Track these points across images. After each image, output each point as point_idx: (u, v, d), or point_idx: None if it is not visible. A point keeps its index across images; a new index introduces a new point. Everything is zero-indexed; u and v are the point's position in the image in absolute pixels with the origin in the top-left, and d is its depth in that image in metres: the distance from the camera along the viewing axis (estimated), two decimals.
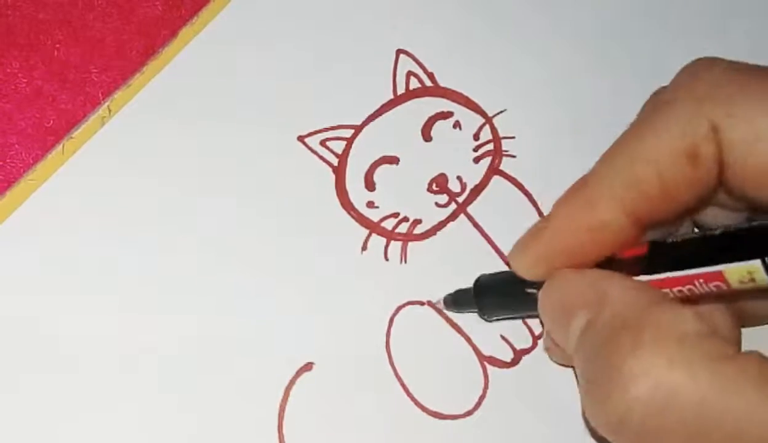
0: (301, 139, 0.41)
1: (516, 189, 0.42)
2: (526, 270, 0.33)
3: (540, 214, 0.41)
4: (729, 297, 0.32)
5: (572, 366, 0.38)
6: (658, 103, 0.30)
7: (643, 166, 0.29)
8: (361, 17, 0.44)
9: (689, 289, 0.29)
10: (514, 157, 0.42)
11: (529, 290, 0.34)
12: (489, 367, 0.38)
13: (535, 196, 0.41)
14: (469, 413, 0.37)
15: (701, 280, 0.29)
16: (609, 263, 0.32)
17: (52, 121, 0.42)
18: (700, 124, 0.28)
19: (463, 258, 0.40)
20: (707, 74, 0.29)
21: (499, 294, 0.37)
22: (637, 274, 0.31)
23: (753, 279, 0.28)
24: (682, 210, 0.30)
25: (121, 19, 0.44)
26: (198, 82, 0.42)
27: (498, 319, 0.38)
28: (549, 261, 0.32)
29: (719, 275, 0.28)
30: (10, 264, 0.38)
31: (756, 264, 0.27)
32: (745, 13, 0.46)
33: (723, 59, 0.30)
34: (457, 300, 0.38)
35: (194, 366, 0.37)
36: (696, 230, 0.36)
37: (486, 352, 0.38)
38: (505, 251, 0.40)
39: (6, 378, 0.36)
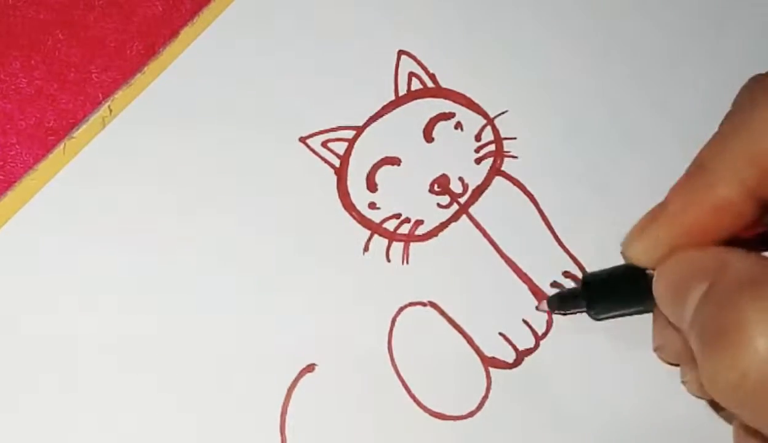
0: (302, 140, 0.41)
1: (518, 190, 0.42)
2: (644, 254, 0.33)
3: (542, 214, 0.41)
4: None
5: (678, 365, 0.38)
6: (754, 92, 0.31)
7: (763, 143, 0.29)
8: (362, 18, 0.44)
9: None
10: (515, 157, 0.42)
11: (649, 272, 0.33)
12: (491, 368, 0.38)
13: (536, 197, 0.41)
14: (471, 414, 0.37)
15: None
16: (730, 245, 0.32)
17: (52, 121, 0.42)
18: None
19: (465, 259, 0.40)
20: None
21: (610, 289, 0.37)
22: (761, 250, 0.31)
23: None
24: None
25: (121, 19, 0.44)
26: (199, 83, 0.42)
27: (607, 317, 0.38)
28: (669, 243, 0.32)
29: None
30: (10, 264, 0.38)
31: None
32: (745, 13, 0.46)
33: None
34: (564, 300, 0.38)
35: (196, 367, 0.37)
36: None
37: (488, 353, 0.38)
38: (507, 252, 0.40)
39: (6, 377, 0.36)
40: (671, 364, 0.38)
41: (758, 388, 0.27)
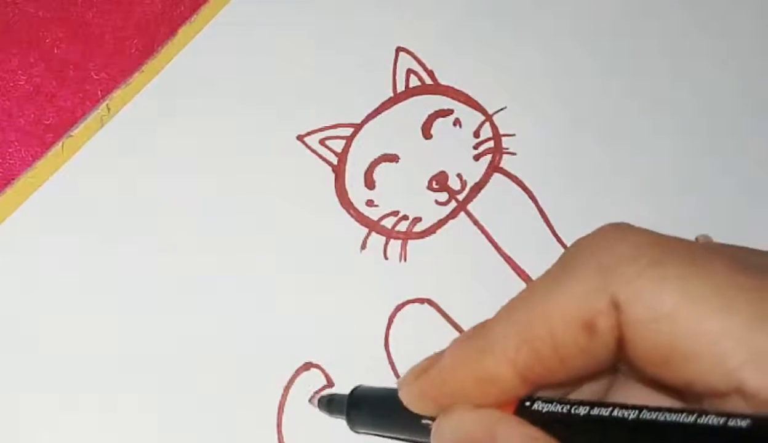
0: (300, 138, 0.41)
1: (516, 186, 0.41)
2: (413, 404, 0.32)
3: (540, 211, 0.41)
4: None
5: None
6: (567, 262, 0.29)
7: (539, 327, 0.28)
8: (360, 15, 0.44)
9: None
10: (514, 154, 0.42)
11: (424, 421, 0.32)
12: None
13: (535, 193, 0.41)
14: None
15: None
16: None
17: (51, 119, 0.42)
18: (601, 297, 0.27)
19: (463, 257, 0.40)
20: (617, 244, 0.28)
21: (375, 411, 0.35)
22: None
23: None
24: (576, 377, 0.29)
25: (120, 16, 0.44)
26: (197, 81, 0.42)
27: (366, 433, 0.36)
28: (436, 400, 0.31)
29: None
30: (9, 262, 0.38)
31: None
32: (745, 12, 0.46)
33: (639, 229, 0.28)
34: (330, 403, 0.36)
35: (193, 365, 0.37)
36: None
37: None
38: (506, 249, 0.40)
39: (6, 377, 0.36)
40: None
41: None
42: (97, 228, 0.39)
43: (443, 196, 0.41)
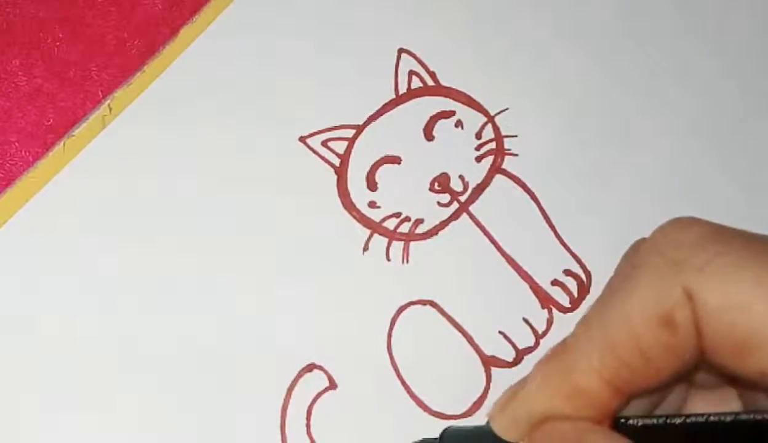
0: (302, 139, 0.41)
1: (518, 187, 0.41)
2: (506, 431, 0.32)
3: (542, 212, 0.41)
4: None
5: None
6: (633, 264, 0.29)
7: (618, 332, 0.28)
8: (362, 17, 0.44)
9: None
10: (516, 155, 0.42)
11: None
12: (491, 367, 0.38)
13: (537, 195, 0.41)
14: (470, 413, 0.37)
15: None
16: None
17: (51, 119, 0.42)
18: (674, 289, 0.27)
19: (465, 258, 0.40)
20: (684, 237, 0.28)
21: None
22: None
23: None
24: (666, 377, 0.29)
25: (121, 17, 0.44)
26: (199, 82, 0.42)
27: None
28: (528, 422, 0.31)
29: None
30: (11, 263, 0.38)
31: None
32: (744, 13, 0.46)
33: (701, 220, 0.29)
34: None
35: (196, 366, 0.37)
36: None
37: (488, 352, 0.38)
38: (508, 250, 0.40)
39: (6, 377, 0.36)
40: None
41: None
42: (98, 229, 0.39)
43: (445, 198, 0.41)
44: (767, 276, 0.26)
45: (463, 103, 0.43)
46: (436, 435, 0.36)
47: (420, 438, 0.35)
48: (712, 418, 0.27)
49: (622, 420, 0.29)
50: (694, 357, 0.28)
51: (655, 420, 0.29)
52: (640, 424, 0.29)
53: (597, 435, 0.29)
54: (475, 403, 0.38)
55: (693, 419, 0.28)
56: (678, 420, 0.28)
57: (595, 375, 0.28)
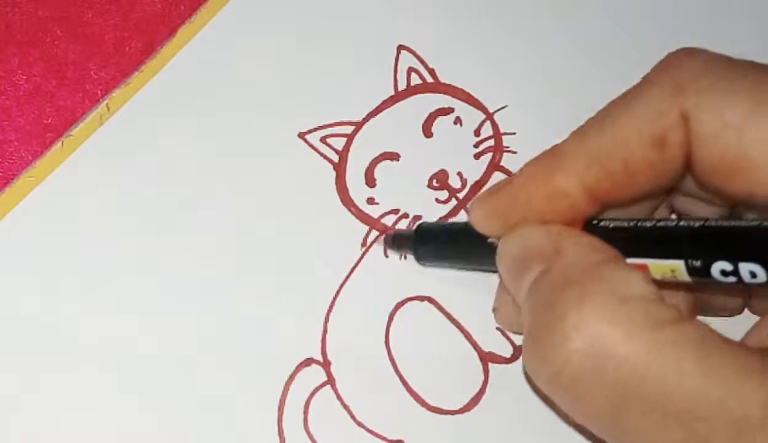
0: (301, 135, 0.41)
1: None
2: (481, 223, 0.33)
3: None
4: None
5: (516, 332, 0.38)
6: (640, 84, 0.30)
7: (609, 144, 0.29)
8: (361, 13, 0.44)
9: None
10: (515, 153, 0.42)
11: (490, 240, 0.33)
12: (488, 363, 0.38)
13: None
14: (468, 408, 0.37)
15: None
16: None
17: (50, 118, 0.42)
18: (671, 111, 0.28)
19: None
20: (688, 62, 0.29)
21: (442, 241, 0.37)
22: None
23: (674, 277, 0.28)
24: (643, 193, 0.30)
25: (120, 16, 0.44)
26: (197, 80, 0.42)
27: (434, 266, 0.39)
28: (505, 218, 0.32)
29: (643, 267, 0.28)
30: (9, 263, 0.38)
31: (679, 263, 0.27)
32: (746, 12, 0.46)
33: (708, 51, 0.29)
34: (396, 240, 0.39)
35: (194, 363, 0.37)
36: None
37: (486, 348, 0.38)
38: None
39: (5, 377, 0.36)
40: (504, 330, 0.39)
41: (574, 384, 0.27)
42: (97, 227, 0.39)
43: (444, 195, 0.41)
44: (763, 101, 0.27)
45: (462, 100, 0.43)
46: (433, 430, 0.37)
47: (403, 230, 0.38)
48: (681, 223, 0.28)
49: (594, 222, 0.30)
50: (678, 177, 0.29)
51: (626, 223, 0.30)
52: (611, 226, 0.30)
53: (569, 239, 0.30)
54: (472, 399, 0.37)
55: (663, 223, 0.28)
56: (648, 224, 0.29)
57: (578, 181, 0.30)
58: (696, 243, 0.27)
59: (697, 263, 0.27)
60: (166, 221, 0.39)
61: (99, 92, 0.43)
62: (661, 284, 0.28)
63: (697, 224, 0.27)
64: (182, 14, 0.44)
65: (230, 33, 0.43)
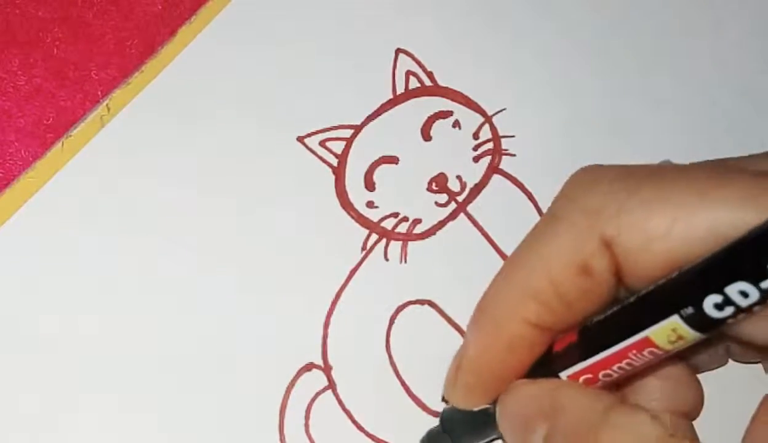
0: (300, 139, 0.41)
1: (516, 188, 0.42)
2: (466, 402, 0.33)
3: (540, 212, 0.41)
4: (676, 358, 0.32)
5: None
6: (550, 214, 0.30)
7: (538, 280, 0.29)
8: (360, 17, 0.44)
9: (628, 364, 0.29)
10: (513, 156, 0.42)
11: (488, 406, 0.33)
12: None
13: (535, 195, 0.41)
14: None
15: (635, 352, 0.28)
16: (547, 362, 0.31)
17: (51, 119, 0.42)
18: (591, 239, 0.28)
19: (463, 258, 0.40)
20: (596, 185, 0.29)
21: (466, 422, 0.35)
22: (576, 362, 0.30)
23: (681, 337, 0.27)
24: (584, 314, 0.30)
25: (120, 16, 0.44)
26: (197, 82, 0.42)
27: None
28: (481, 388, 0.32)
29: (648, 341, 0.28)
30: (10, 263, 0.38)
31: (675, 320, 0.27)
32: (744, 13, 0.46)
33: (610, 167, 0.29)
34: (432, 439, 0.36)
35: (194, 366, 0.37)
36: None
37: None
38: (505, 250, 0.40)
39: (5, 377, 0.36)
40: None
41: None
42: (98, 229, 0.39)
43: (443, 198, 0.41)
44: (678, 200, 0.27)
45: (460, 103, 0.43)
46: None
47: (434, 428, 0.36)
48: (661, 282, 0.28)
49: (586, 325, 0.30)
50: (612, 294, 0.29)
51: (611, 309, 0.29)
52: (599, 319, 0.30)
53: (565, 393, 0.30)
54: None
55: (644, 291, 0.28)
56: (632, 298, 0.29)
57: (523, 321, 0.30)
58: (679, 292, 0.27)
59: (690, 310, 0.26)
60: (166, 223, 0.39)
61: (99, 93, 0.43)
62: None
63: (673, 276, 0.27)
64: (182, 15, 0.44)
65: (230, 35, 0.43)
